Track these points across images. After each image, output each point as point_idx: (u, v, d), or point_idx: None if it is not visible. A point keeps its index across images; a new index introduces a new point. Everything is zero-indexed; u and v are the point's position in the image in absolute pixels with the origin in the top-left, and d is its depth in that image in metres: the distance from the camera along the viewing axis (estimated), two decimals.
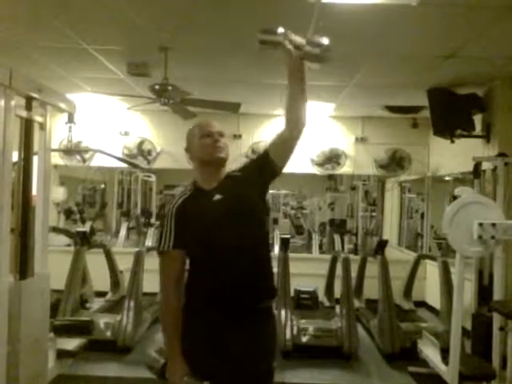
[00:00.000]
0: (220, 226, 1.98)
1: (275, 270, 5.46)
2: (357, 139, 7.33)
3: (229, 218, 1.99)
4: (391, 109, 6.55)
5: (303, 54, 1.98)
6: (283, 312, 4.99)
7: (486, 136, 5.09)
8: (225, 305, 1.96)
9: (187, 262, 2.05)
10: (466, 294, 3.91)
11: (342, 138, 7.36)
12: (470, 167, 4.95)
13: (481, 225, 3.40)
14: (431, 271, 6.69)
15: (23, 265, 2.57)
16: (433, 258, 6.17)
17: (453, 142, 5.13)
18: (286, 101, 2.06)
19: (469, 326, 4.56)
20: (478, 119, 5.14)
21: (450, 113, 5.09)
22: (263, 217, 2.15)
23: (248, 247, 2.00)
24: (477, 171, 4.87)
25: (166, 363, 1.99)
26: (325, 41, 1.97)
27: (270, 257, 2.14)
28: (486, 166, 4.90)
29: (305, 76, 2.04)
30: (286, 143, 2.10)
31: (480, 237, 3.41)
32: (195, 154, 2.09)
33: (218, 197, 2.02)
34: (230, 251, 1.96)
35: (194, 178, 2.13)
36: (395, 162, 7.30)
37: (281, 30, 1.99)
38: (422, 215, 8.31)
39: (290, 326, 4.90)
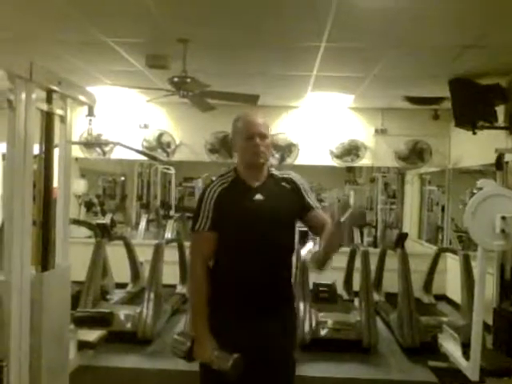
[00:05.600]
0: (255, 227, 2.05)
1: (294, 262, 5.46)
2: (376, 131, 7.25)
3: (266, 221, 2.07)
4: (412, 100, 6.46)
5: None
6: (302, 305, 4.98)
7: (509, 127, 5.00)
8: (245, 302, 2.05)
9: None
10: (488, 288, 3.86)
11: (362, 130, 7.29)
12: (492, 159, 4.88)
13: (503, 218, 3.36)
14: (452, 264, 6.61)
15: (44, 257, 2.59)
16: (454, 252, 6.10)
17: (475, 133, 5.04)
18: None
19: (490, 321, 4.50)
20: (500, 110, 5.04)
21: (473, 104, 5.00)
22: (294, 228, 2.22)
23: (277, 252, 2.10)
24: (499, 163, 4.79)
25: (193, 344, 2.02)
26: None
27: (292, 264, 2.24)
28: (508, 157, 4.82)
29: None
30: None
31: (503, 230, 3.36)
32: (238, 150, 2.16)
33: (259, 196, 2.09)
34: (258, 252, 2.05)
35: (236, 166, 2.18)
36: (415, 153, 7.21)
37: None
38: (443, 208, 8.21)
39: (309, 319, 4.89)
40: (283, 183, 2.18)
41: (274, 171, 2.21)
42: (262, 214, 2.07)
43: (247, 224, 2.06)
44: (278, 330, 2.08)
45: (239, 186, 2.12)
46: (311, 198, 2.20)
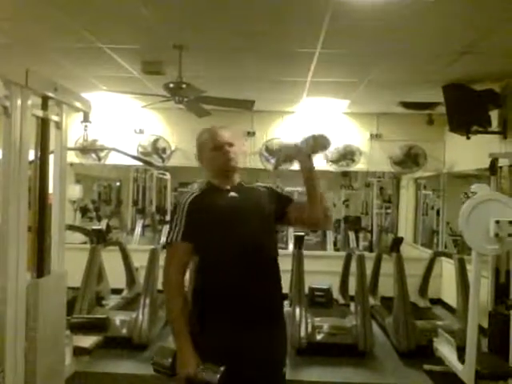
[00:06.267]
0: (234, 220, 2.05)
1: (289, 267, 5.47)
2: (371, 136, 7.28)
3: (243, 214, 2.07)
4: (406, 105, 6.49)
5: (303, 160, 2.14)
6: (298, 310, 4.99)
7: (503, 132, 5.03)
8: (236, 301, 2.01)
9: (194, 259, 2.08)
10: (483, 292, 3.88)
11: (357, 135, 7.32)
12: (486, 164, 4.90)
13: (497, 222, 3.38)
14: (447, 268, 6.64)
15: (40, 263, 2.59)
16: (449, 256, 6.12)
17: (469, 138, 5.08)
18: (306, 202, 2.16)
19: (485, 324, 4.52)
20: (494, 115, 5.08)
21: (466, 109, 5.03)
22: (273, 223, 2.21)
23: (260, 244, 2.07)
24: (493, 168, 4.82)
25: (174, 359, 1.99)
26: (309, 140, 2.11)
27: (277, 258, 2.19)
28: (502, 162, 4.84)
29: (316, 184, 2.13)
30: (302, 222, 2.24)
31: (497, 234, 3.39)
32: (207, 164, 2.20)
33: (233, 194, 2.13)
34: (242, 245, 2.02)
35: (208, 179, 2.21)
36: (410, 158, 7.24)
37: (283, 160, 2.25)
38: (438, 212, 8.24)
39: (305, 323, 4.90)
40: (256, 187, 2.26)
41: (244, 183, 2.26)
42: (237, 210, 2.08)
43: (224, 222, 2.04)
44: (266, 337, 2.04)
45: (212, 191, 2.15)
46: (286, 194, 2.27)
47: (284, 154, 2.24)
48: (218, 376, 1.87)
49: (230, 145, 2.16)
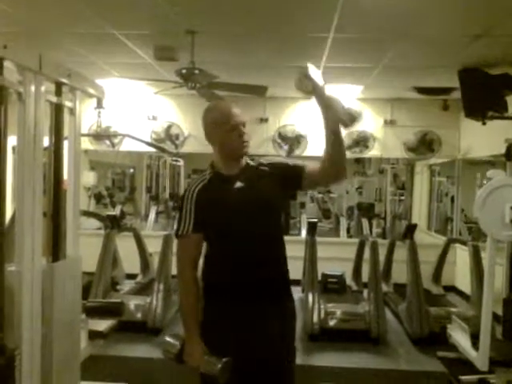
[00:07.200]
0: (241, 214, 2.02)
1: (302, 254, 5.48)
2: (385, 122, 7.22)
3: (250, 207, 2.04)
4: (421, 90, 6.42)
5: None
6: (311, 296, 5.00)
7: None
8: (242, 290, 2.02)
9: (204, 246, 2.10)
10: (497, 279, 3.85)
11: (371, 121, 7.26)
12: (502, 149, 4.83)
13: None
14: (461, 255, 6.60)
15: (55, 248, 2.61)
16: (463, 243, 6.08)
17: (484, 123, 5.01)
18: (324, 151, 2.05)
19: (500, 312, 4.49)
20: (510, 100, 5.00)
21: (482, 94, 4.95)
22: (280, 211, 2.26)
23: (267, 236, 2.07)
24: (509, 153, 4.75)
25: (183, 347, 2.04)
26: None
27: (285, 246, 2.17)
28: None
29: (341, 138, 2.04)
30: (321, 180, 2.16)
31: None
32: (219, 143, 2.08)
33: (239, 184, 2.05)
34: (249, 239, 2.02)
35: (213, 162, 2.15)
36: (425, 144, 7.17)
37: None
38: (452, 199, 8.18)
39: (318, 309, 4.91)
40: (261, 167, 2.13)
41: (249, 160, 2.16)
42: (244, 201, 2.03)
43: (231, 213, 2.02)
44: (277, 317, 2.05)
45: (218, 180, 2.08)
46: (296, 161, 2.15)
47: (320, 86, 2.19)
48: (219, 367, 1.91)
49: (244, 125, 2.07)
